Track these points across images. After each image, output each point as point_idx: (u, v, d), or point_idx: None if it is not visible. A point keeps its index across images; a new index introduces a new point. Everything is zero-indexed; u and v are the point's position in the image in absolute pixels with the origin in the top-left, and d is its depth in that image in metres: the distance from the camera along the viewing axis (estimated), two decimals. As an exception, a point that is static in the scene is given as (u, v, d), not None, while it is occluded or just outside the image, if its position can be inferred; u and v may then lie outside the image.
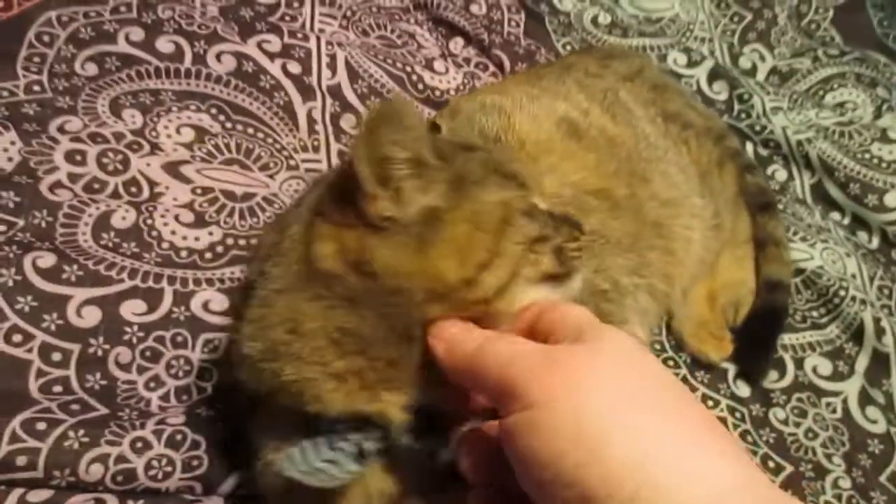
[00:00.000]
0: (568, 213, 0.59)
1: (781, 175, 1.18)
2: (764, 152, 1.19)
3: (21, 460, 0.64)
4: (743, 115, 1.22)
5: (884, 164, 1.13)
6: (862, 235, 1.12)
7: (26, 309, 0.70)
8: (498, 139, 0.81)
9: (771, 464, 0.90)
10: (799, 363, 0.99)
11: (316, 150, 0.94)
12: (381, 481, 0.55)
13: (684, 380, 0.94)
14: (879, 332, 0.99)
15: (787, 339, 1.00)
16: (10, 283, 0.71)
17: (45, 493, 0.65)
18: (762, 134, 1.20)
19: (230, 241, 0.82)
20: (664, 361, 0.95)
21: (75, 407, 0.68)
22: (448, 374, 0.49)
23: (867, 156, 1.15)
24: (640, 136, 0.92)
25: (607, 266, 0.80)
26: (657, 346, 0.96)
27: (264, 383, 0.53)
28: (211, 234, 0.82)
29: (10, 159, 0.79)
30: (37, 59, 0.88)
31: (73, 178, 0.81)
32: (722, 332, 0.96)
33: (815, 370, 0.98)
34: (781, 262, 1.00)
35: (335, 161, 0.94)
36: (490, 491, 0.48)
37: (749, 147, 1.19)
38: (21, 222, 0.76)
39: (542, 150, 0.82)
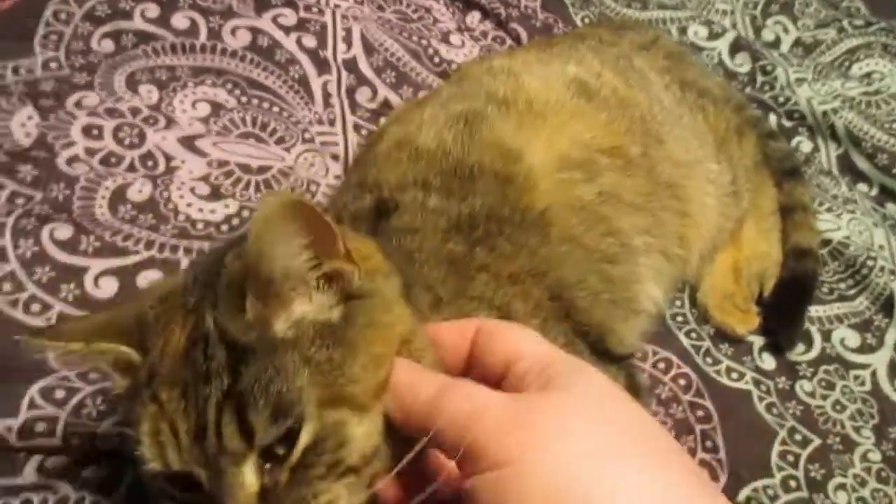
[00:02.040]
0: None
1: (806, 146, 1.15)
2: (788, 124, 1.17)
3: (40, 427, 0.64)
4: (766, 87, 1.20)
5: (913, 134, 1.10)
6: (890, 206, 1.09)
7: (44, 279, 0.71)
8: (505, 101, 0.80)
9: (798, 437, 0.88)
10: (826, 335, 0.97)
11: (331, 123, 0.94)
12: None
13: (707, 353, 0.92)
14: (909, 304, 0.96)
15: (814, 311, 0.97)
16: (28, 255, 0.71)
17: (64, 461, 0.65)
18: (786, 105, 1.17)
19: (246, 213, 0.82)
20: (687, 334, 0.93)
21: (93, 376, 0.69)
22: (402, 428, 0.44)
23: (895, 126, 1.12)
24: (654, 100, 0.90)
25: (617, 228, 0.78)
26: (679, 319, 0.94)
27: None
28: (227, 206, 0.82)
29: (27, 134, 0.80)
30: (54, 37, 0.88)
31: (89, 152, 0.81)
32: (747, 304, 0.94)
33: (842, 342, 0.96)
34: (810, 228, 0.98)
35: (351, 134, 0.93)
36: None
37: (773, 119, 1.17)
38: (39, 195, 0.76)
39: (550, 110, 0.80)
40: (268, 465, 0.44)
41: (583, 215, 0.76)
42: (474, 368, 0.47)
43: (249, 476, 0.43)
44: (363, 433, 0.45)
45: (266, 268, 0.44)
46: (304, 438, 0.43)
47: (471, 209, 0.71)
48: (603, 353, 0.75)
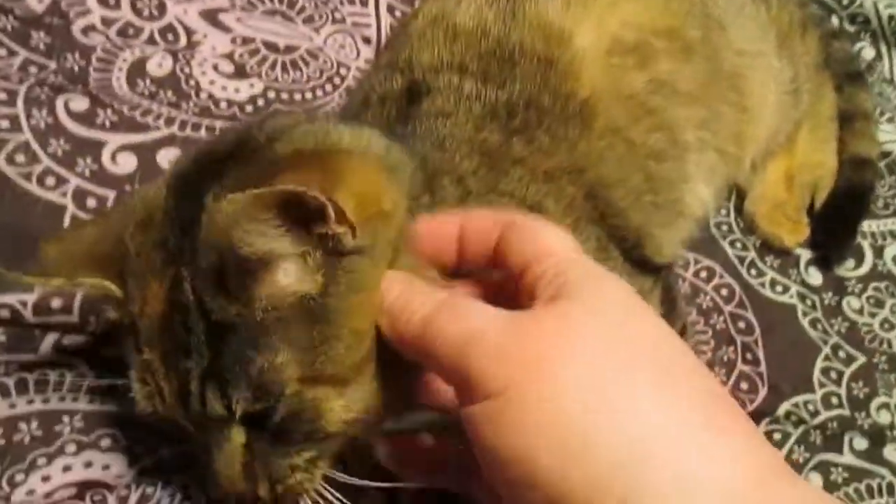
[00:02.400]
0: None
1: (869, 53, 1.07)
2: (850, 28, 1.08)
3: (56, 303, 0.61)
4: (830, -12, 1.11)
5: None
6: (955, 119, 1.03)
7: (59, 152, 0.67)
8: None
9: (842, 354, 0.84)
10: (878, 252, 0.92)
11: (364, 3, 0.87)
12: None
13: (752, 264, 0.88)
14: (970, 221, 0.90)
15: (866, 225, 0.92)
16: (43, 126, 0.67)
17: (82, 339, 0.62)
18: (850, 8, 1.09)
19: (272, 94, 0.77)
20: (731, 244, 0.89)
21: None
22: (399, 351, 0.41)
23: (967, 34, 1.04)
24: None
25: (668, 121, 0.73)
26: (724, 228, 0.89)
27: None
28: (252, 86, 0.77)
29: (40, 0, 0.74)
30: None
31: (106, 21, 0.76)
32: (799, 214, 0.89)
33: (895, 259, 0.91)
34: (869, 137, 0.92)
35: (384, 16, 0.87)
36: None
37: (834, 21, 1.08)
38: (53, 64, 0.72)
39: None
40: (251, 427, 0.44)
41: (629, 106, 0.71)
42: (497, 266, 0.42)
43: (235, 433, 0.44)
44: (342, 405, 0.43)
45: (240, 253, 0.40)
46: (281, 410, 0.42)
47: (509, 96, 0.66)
48: (639, 261, 0.71)
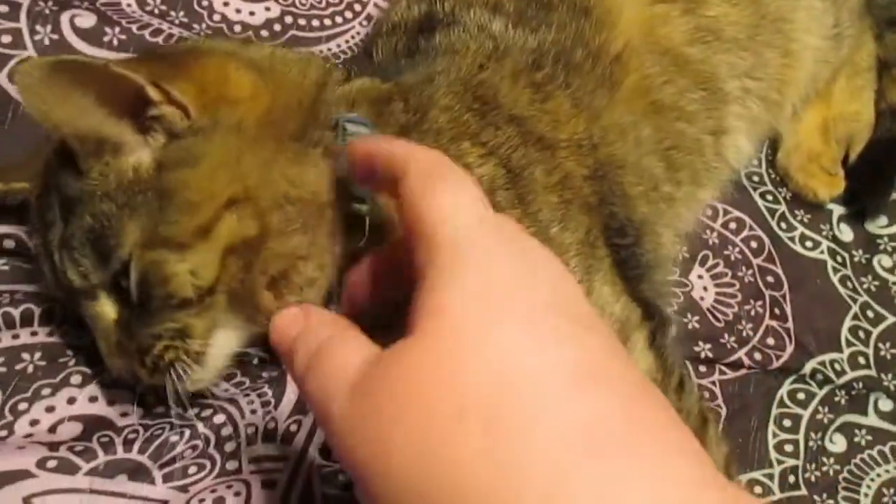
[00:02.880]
0: None
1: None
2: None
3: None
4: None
5: None
6: None
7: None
8: None
9: (870, 313, 0.82)
10: (913, 209, 0.88)
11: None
12: None
13: (783, 217, 0.84)
14: None
15: (902, 182, 0.89)
16: (46, 42, 0.63)
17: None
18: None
19: (289, 19, 0.73)
20: (762, 196, 0.85)
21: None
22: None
23: None
24: None
25: (706, 73, 0.69)
26: (755, 179, 0.86)
27: None
28: (268, 9, 0.73)
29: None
30: None
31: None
32: (835, 167, 0.86)
33: (929, 218, 0.88)
34: None
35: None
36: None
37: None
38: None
39: None
40: (120, 298, 0.47)
41: (665, 62, 0.67)
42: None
43: (104, 307, 0.48)
44: (186, 269, 0.45)
45: (65, 130, 0.45)
46: (133, 276, 0.45)
47: (539, 43, 0.62)
48: (627, 260, 0.64)
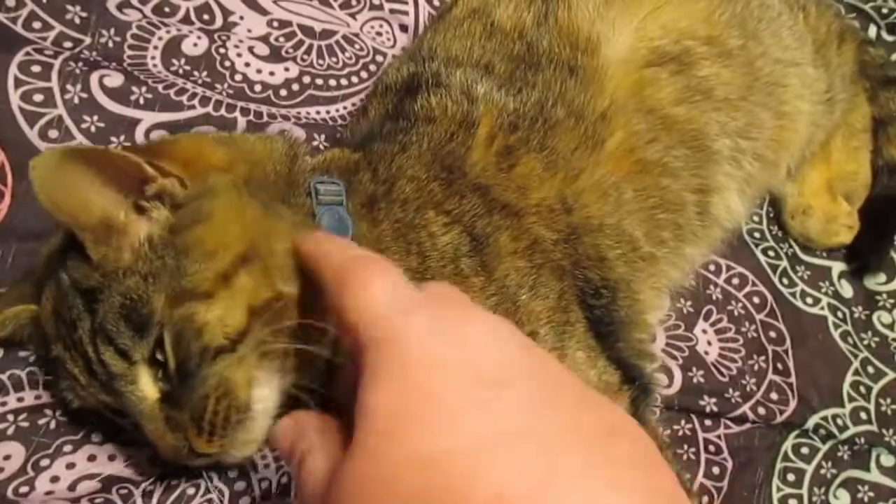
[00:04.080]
0: None
1: (907, 63, 1.06)
2: (889, 38, 1.07)
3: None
4: (868, -4, 1.09)
5: None
6: None
7: (93, 129, 0.65)
8: None
9: (871, 369, 0.83)
10: (910, 267, 0.90)
11: (402, -9, 0.86)
12: None
13: (784, 273, 0.86)
14: None
15: (898, 240, 0.91)
16: (77, 101, 0.65)
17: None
18: (889, 18, 1.07)
19: (307, 79, 0.76)
20: (764, 252, 0.87)
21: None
22: None
23: None
24: None
25: (694, 132, 0.71)
26: (757, 235, 0.88)
27: None
28: (287, 69, 0.75)
29: (76, -27, 0.73)
30: None
31: (141, -2, 0.74)
32: (853, 219, 0.89)
33: (927, 275, 0.90)
34: None
35: (423, 4, 0.85)
36: None
37: (872, 30, 1.07)
38: (88, 40, 0.70)
39: None
40: (160, 374, 0.47)
41: (651, 120, 0.68)
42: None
43: (146, 388, 0.48)
44: (217, 316, 0.46)
45: (76, 220, 0.47)
46: (168, 339, 0.46)
47: (519, 105, 0.64)
48: (602, 318, 0.63)
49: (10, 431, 0.54)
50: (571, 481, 0.26)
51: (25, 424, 0.55)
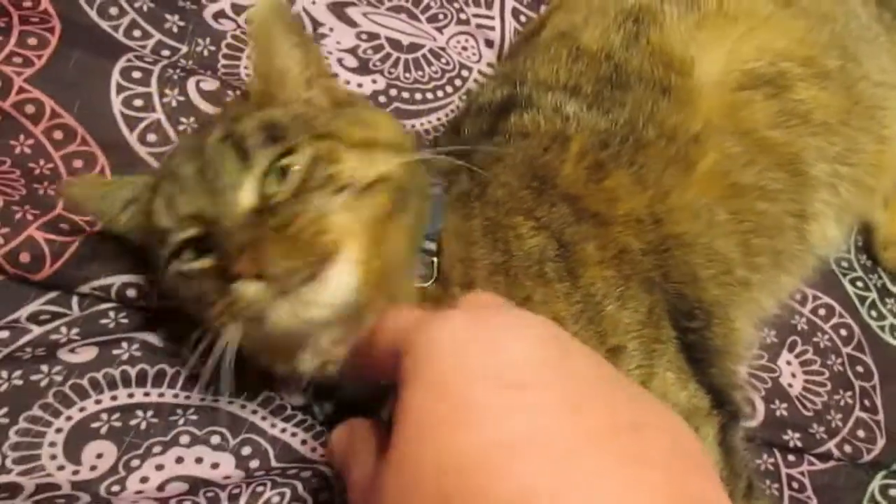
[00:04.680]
0: None
1: None
2: None
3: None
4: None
5: None
6: None
7: (189, 131, 0.66)
8: None
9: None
10: None
11: (489, 6, 0.85)
12: None
13: (873, 305, 0.83)
14: None
15: None
16: (174, 104, 0.67)
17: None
18: None
19: (394, 91, 0.76)
20: (852, 282, 0.84)
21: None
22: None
23: None
24: (852, 16, 0.79)
25: (791, 156, 0.68)
26: (845, 265, 0.85)
27: None
28: (374, 82, 0.76)
29: (175, -17, 0.74)
30: None
31: (236, 9, 0.75)
32: None
33: None
34: None
35: (508, 19, 0.85)
36: None
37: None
38: (184, 48, 0.71)
39: (742, 12, 0.71)
40: (266, 189, 0.49)
41: (745, 143, 0.66)
42: None
43: (246, 195, 0.48)
44: (352, 165, 0.49)
45: (270, 61, 0.56)
46: (305, 156, 0.49)
47: (610, 124, 0.64)
48: (695, 344, 0.62)
49: (103, 430, 0.55)
50: (591, 481, 0.28)
51: (118, 424, 0.56)
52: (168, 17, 0.72)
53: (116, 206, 0.57)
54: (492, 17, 0.85)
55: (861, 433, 0.75)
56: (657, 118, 0.65)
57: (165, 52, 0.70)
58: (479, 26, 0.84)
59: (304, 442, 0.60)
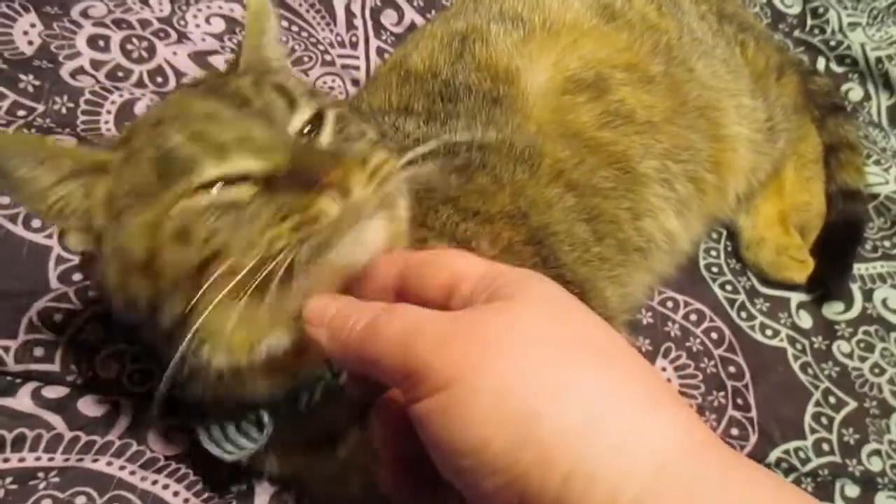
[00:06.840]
0: None
1: (856, 94, 1.08)
2: (838, 69, 1.10)
3: (38, 352, 0.60)
4: (816, 31, 1.12)
5: (973, 86, 1.03)
6: (943, 162, 1.03)
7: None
8: (518, 17, 0.76)
9: (832, 399, 0.84)
10: (868, 295, 0.92)
11: (354, 46, 0.88)
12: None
13: (742, 307, 0.87)
14: (959, 264, 0.91)
15: (856, 268, 0.92)
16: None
17: (62, 391, 0.61)
18: (837, 50, 1.10)
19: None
20: (722, 286, 0.88)
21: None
22: (340, 363, 0.44)
23: (954, 77, 1.05)
24: (685, 30, 0.84)
25: (618, 155, 0.73)
26: (714, 270, 0.89)
27: None
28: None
29: (30, 42, 0.74)
30: (59, -59, 0.82)
31: (95, 64, 0.76)
32: (803, 253, 0.90)
33: (884, 303, 0.91)
34: (856, 168, 0.93)
35: (373, 58, 0.87)
36: (404, 465, 0.40)
37: (821, 63, 1.10)
38: (41, 107, 0.71)
39: (565, 28, 0.76)
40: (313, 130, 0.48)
41: (575, 145, 0.71)
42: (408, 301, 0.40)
43: (297, 122, 0.47)
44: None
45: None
46: (333, 113, 0.49)
47: (451, 133, 0.68)
48: None
49: None
50: (619, 419, 0.31)
51: None
52: (22, 76, 0.72)
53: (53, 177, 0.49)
54: (357, 57, 0.87)
55: (735, 431, 0.78)
56: (497, 125, 0.69)
57: (21, 112, 0.70)
58: (344, 66, 0.86)
59: (176, 494, 0.60)
